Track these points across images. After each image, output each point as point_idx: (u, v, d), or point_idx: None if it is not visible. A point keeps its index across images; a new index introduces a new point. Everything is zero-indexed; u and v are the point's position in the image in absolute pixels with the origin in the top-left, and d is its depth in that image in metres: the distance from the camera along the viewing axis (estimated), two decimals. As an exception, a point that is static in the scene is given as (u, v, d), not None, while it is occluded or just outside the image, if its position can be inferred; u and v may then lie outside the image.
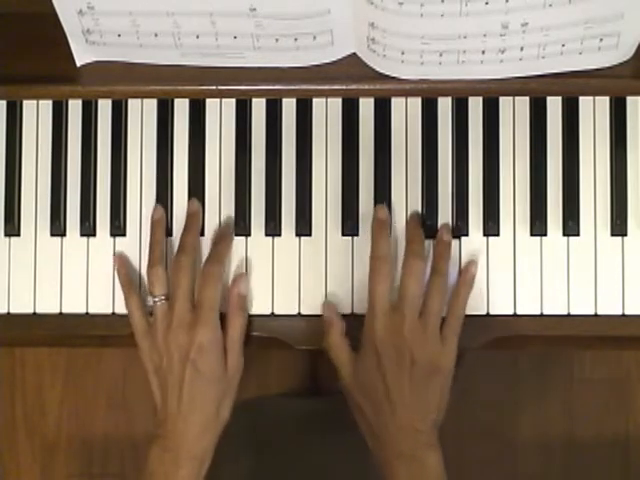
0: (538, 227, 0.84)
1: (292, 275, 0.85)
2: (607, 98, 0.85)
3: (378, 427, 0.79)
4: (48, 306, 0.86)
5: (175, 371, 0.79)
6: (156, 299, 0.81)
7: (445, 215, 0.85)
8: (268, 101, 0.86)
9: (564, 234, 0.85)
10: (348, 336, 0.82)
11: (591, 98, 0.85)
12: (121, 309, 0.86)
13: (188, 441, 0.79)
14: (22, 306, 0.87)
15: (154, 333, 0.81)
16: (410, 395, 0.78)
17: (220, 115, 0.87)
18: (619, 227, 0.84)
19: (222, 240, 0.84)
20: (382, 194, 0.85)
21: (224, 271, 0.83)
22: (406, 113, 0.86)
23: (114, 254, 0.86)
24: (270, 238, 0.86)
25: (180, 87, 0.84)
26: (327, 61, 0.82)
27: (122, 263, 0.85)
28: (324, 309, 0.83)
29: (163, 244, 0.84)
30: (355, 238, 0.85)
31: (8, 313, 0.87)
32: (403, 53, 0.78)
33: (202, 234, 0.86)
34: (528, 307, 0.84)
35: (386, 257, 0.81)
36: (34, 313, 0.87)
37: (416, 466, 0.77)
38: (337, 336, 0.82)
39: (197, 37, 0.79)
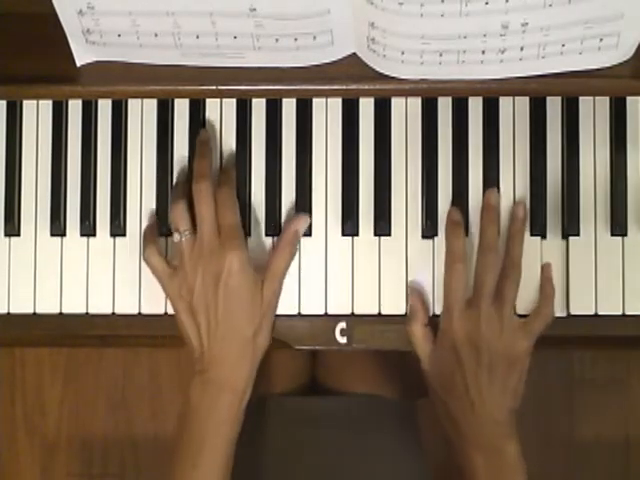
0: (538, 227, 0.84)
1: (292, 275, 0.85)
2: (607, 98, 0.85)
3: (456, 417, 0.79)
4: (48, 306, 0.86)
5: (209, 298, 0.79)
6: (182, 234, 0.81)
7: (445, 215, 0.85)
8: (268, 101, 0.86)
9: (564, 234, 0.85)
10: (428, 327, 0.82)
11: (591, 98, 0.85)
12: (121, 309, 0.86)
13: (227, 370, 0.79)
14: (22, 306, 0.87)
15: (182, 269, 0.80)
16: (489, 390, 0.78)
17: (220, 115, 0.87)
18: (619, 227, 0.84)
19: (230, 166, 0.85)
20: (382, 194, 0.85)
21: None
22: (406, 113, 0.86)
23: (114, 255, 0.86)
24: (270, 238, 0.86)
25: (180, 87, 0.84)
26: (327, 61, 0.81)
27: (149, 215, 0.86)
28: (411, 296, 0.84)
29: (186, 185, 0.84)
30: (355, 238, 0.85)
31: (8, 313, 0.87)
32: (403, 53, 0.77)
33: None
34: (528, 307, 0.84)
35: (461, 256, 0.81)
36: (34, 313, 0.87)
37: (495, 457, 0.78)
38: (419, 327, 0.82)
39: (197, 37, 0.79)
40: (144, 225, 0.86)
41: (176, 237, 0.82)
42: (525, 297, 0.83)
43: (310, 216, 0.85)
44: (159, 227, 0.86)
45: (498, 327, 0.79)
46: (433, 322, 0.83)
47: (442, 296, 0.82)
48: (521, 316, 0.82)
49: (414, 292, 0.84)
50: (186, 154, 0.87)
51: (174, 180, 0.87)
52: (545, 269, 0.83)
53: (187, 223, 0.81)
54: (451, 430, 0.81)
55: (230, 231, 0.80)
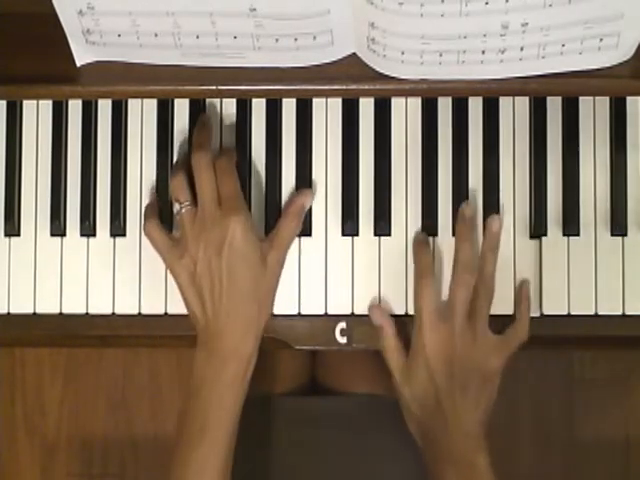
0: (538, 227, 0.84)
1: (292, 275, 0.85)
2: (607, 98, 0.85)
3: (428, 430, 0.80)
4: (48, 306, 0.86)
5: (213, 267, 0.79)
6: (182, 206, 0.81)
7: (445, 215, 0.85)
8: (268, 101, 0.86)
9: (564, 234, 0.85)
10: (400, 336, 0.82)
11: (591, 98, 0.85)
12: (121, 309, 0.86)
13: (232, 340, 0.78)
14: (22, 306, 0.87)
15: (184, 241, 0.80)
16: (462, 405, 0.79)
17: (220, 115, 0.87)
18: (619, 227, 0.84)
19: (229, 146, 0.85)
20: (382, 194, 0.85)
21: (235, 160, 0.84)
22: (406, 113, 0.86)
23: (114, 255, 0.86)
24: (270, 238, 0.86)
25: (180, 87, 0.84)
26: (327, 61, 0.81)
27: (153, 194, 0.86)
28: (372, 315, 0.83)
29: (185, 159, 0.84)
30: (355, 238, 0.85)
31: (8, 313, 0.87)
32: (403, 53, 0.77)
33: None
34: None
35: (429, 271, 0.81)
36: (34, 313, 0.87)
37: (466, 470, 0.78)
38: (390, 339, 0.82)
39: (197, 37, 0.79)
40: (144, 224, 0.86)
41: (176, 208, 0.81)
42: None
43: (311, 216, 0.85)
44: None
45: (471, 343, 0.79)
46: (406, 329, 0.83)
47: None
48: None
49: (372, 308, 0.84)
50: (186, 154, 0.87)
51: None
52: (523, 288, 0.83)
53: (186, 194, 0.81)
54: (423, 444, 0.81)
55: (231, 199, 0.80)
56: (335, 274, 0.85)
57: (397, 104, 0.86)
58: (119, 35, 0.79)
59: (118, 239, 0.87)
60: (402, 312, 0.84)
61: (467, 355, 0.79)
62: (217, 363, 0.78)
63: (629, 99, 0.85)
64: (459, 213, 0.83)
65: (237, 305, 0.79)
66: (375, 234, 0.85)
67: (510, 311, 0.84)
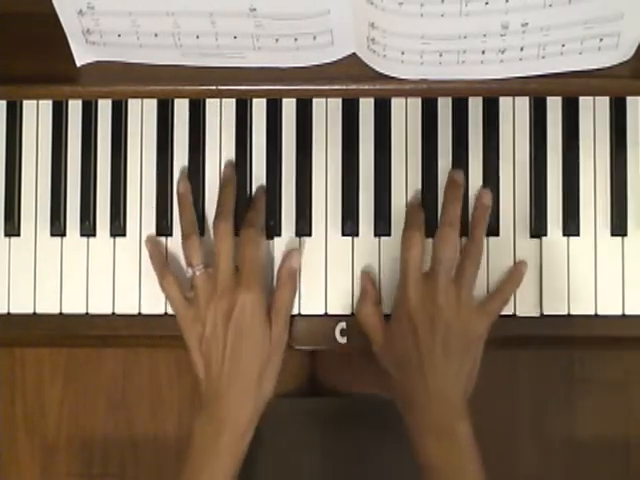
0: (538, 227, 0.84)
1: (292, 275, 0.85)
2: (607, 98, 0.85)
3: (410, 394, 0.79)
4: (48, 306, 0.86)
5: (219, 334, 0.79)
6: (195, 269, 0.81)
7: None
8: (268, 101, 0.86)
9: (564, 234, 0.85)
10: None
11: (591, 98, 0.85)
12: (121, 309, 0.86)
13: (230, 409, 0.79)
14: (22, 306, 0.87)
15: (196, 304, 0.80)
16: (442, 365, 0.78)
17: (220, 115, 0.87)
18: (619, 227, 0.84)
19: (255, 207, 0.84)
20: (382, 194, 0.85)
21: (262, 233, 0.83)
22: (406, 113, 0.86)
23: (114, 255, 0.86)
24: (270, 239, 0.86)
25: (180, 87, 0.84)
26: (327, 61, 0.81)
27: (154, 244, 0.85)
28: (361, 277, 0.84)
29: (193, 215, 0.84)
30: (355, 238, 0.85)
31: (8, 313, 0.87)
32: (403, 53, 0.77)
33: (202, 234, 0.86)
34: (528, 307, 0.84)
35: (419, 226, 0.81)
36: (34, 313, 0.87)
37: (447, 438, 0.77)
38: (370, 305, 0.82)
39: (197, 37, 0.79)
40: (144, 225, 0.86)
41: (189, 272, 0.81)
42: (528, 297, 0.84)
43: (310, 216, 0.85)
44: (160, 227, 0.86)
45: (455, 304, 0.78)
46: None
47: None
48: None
49: (364, 274, 0.84)
50: (186, 154, 0.87)
51: (174, 181, 0.87)
52: (521, 265, 0.83)
53: (200, 257, 0.81)
54: (404, 411, 0.80)
55: (248, 274, 0.80)
56: (335, 274, 0.85)
57: (397, 104, 0.86)
58: (119, 35, 0.79)
59: (118, 239, 0.87)
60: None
61: (450, 315, 0.78)
62: (214, 429, 0.79)
63: (629, 99, 0.85)
64: (448, 177, 0.84)
65: (238, 376, 0.79)
66: (375, 234, 0.85)
67: (510, 311, 0.84)
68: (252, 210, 0.84)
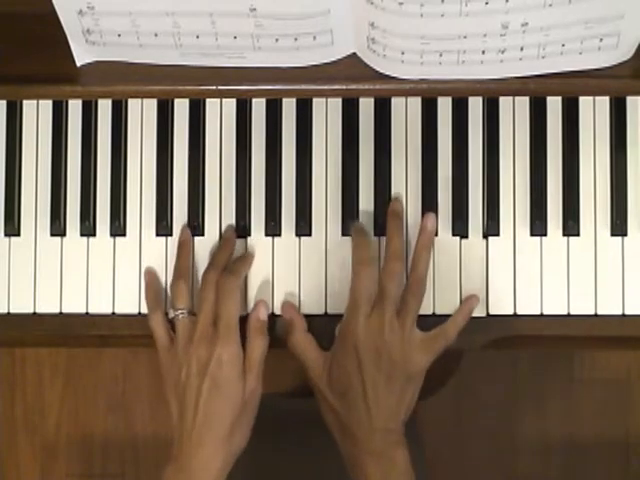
0: (538, 227, 0.84)
1: (292, 275, 0.85)
2: (607, 98, 0.85)
3: (350, 424, 0.79)
4: (48, 306, 0.86)
5: (193, 384, 0.79)
6: (178, 312, 0.82)
7: (445, 215, 0.85)
8: (268, 101, 0.86)
9: (564, 234, 0.85)
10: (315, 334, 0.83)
11: (591, 98, 0.85)
12: (121, 309, 0.86)
13: (200, 460, 0.79)
14: (22, 306, 0.87)
15: (175, 346, 0.81)
16: (386, 398, 0.79)
17: (220, 115, 0.87)
18: (619, 227, 0.84)
19: (242, 257, 0.85)
20: (382, 194, 0.85)
21: (242, 285, 0.84)
22: (406, 113, 0.86)
23: (114, 255, 0.86)
24: (270, 238, 0.86)
25: (180, 87, 0.84)
26: (327, 61, 0.82)
27: (152, 279, 0.85)
28: (283, 310, 0.84)
29: (189, 261, 0.84)
30: (355, 238, 0.85)
31: (8, 313, 0.87)
32: (403, 53, 0.77)
33: (202, 234, 0.86)
34: (528, 307, 0.84)
35: (370, 260, 0.81)
36: (34, 313, 0.87)
37: (386, 463, 0.78)
38: (301, 333, 0.83)
39: (197, 37, 0.79)
40: (144, 225, 0.86)
41: (171, 313, 0.82)
42: (528, 297, 0.84)
43: (310, 216, 0.85)
44: (160, 227, 0.86)
45: (399, 337, 0.79)
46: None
47: (436, 295, 0.83)
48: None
49: (284, 304, 0.84)
50: (186, 154, 0.87)
51: (174, 181, 0.87)
52: (472, 299, 0.83)
53: (185, 302, 0.82)
54: (343, 436, 0.81)
55: (225, 326, 0.80)
56: (335, 274, 0.85)
57: (397, 104, 0.86)
58: (119, 35, 0.79)
59: (118, 239, 0.87)
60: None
61: (394, 351, 0.79)
62: (184, 478, 0.79)
63: (629, 99, 0.85)
64: (389, 208, 0.84)
65: (210, 429, 0.79)
66: (375, 234, 0.85)
67: (510, 311, 0.84)
68: (239, 260, 0.84)
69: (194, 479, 0.79)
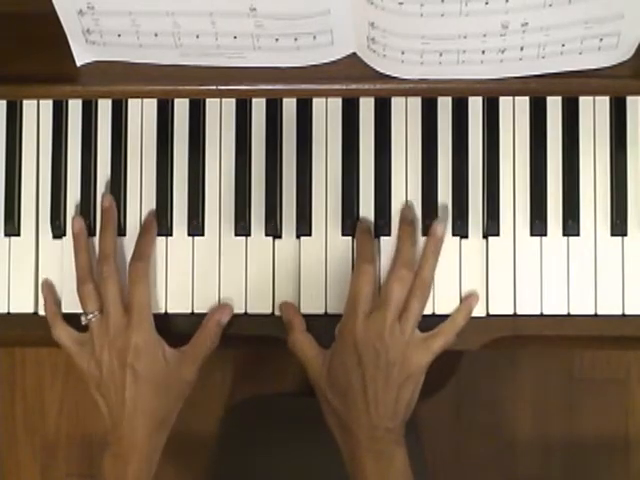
0: (538, 227, 0.84)
1: (292, 275, 0.85)
2: (607, 98, 0.85)
3: (349, 421, 0.80)
4: (48, 306, 0.86)
5: (116, 377, 0.80)
6: (90, 316, 0.82)
7: (445, 215, 0.85)
8: (268, 101, 0.86)
9: (564, 234, 0.85)
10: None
11: (591, 98, 0.85)
12: (121, 309, 0.86)
13: (135, 444, 0.80)
14: (22, 306, 0.87)
15: (91, 348, 0.81)
16: (385, 395, 0.79)
17: (220, 115, 0.87)
18: (619, 227, 0.84)
19: (144, 235, 0.85)
20: (382, 194, 0.85)
21: (149, 266, 0.84)
22: (406, 113, 0.86)
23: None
24: (270, 238, 0.86)
25: (180, 87, 0.84)
26: (327, 61, 0.81)
27: (49, 291, 0.86)
28: (282, 310, 0.84)
29: (88, 257, 0.84)
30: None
31: (8, 313, 0.87)
32: (403, 53, 0.78)
33: (202, 234, 0.86)
34: (528, 307, 0.84)
35: (373, 260, 0.81)
36: (34, 313, 0.87)
37: (384, 461, 0.79)
38: (300, 333, 0.83)
39: (197, 37, 0.79)
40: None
41: (83, 319, 0.82)
42: (528, 297, 0.84)
43: (310, 216, 0.85)
44: (160, 227, 0.86)
45: (399, 342, 0.79)
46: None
47: (436, 295, 0.83)
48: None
49: (284, 305, 0.84)
50: (186, 154, 0.87)
51: (174, 181, 0.87)
52: (471, 298, 0.83)
53: (94, 304, 0.82)
54: (342, 434, 0.81)
55: (138, 310, 0.81)
56: (335, 274, 0.85)
57: (397, 104, 0.86)
58: (119, 35, 0.79)
59: (118, 239, 0.87)
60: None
61: (394, 352, 0.79)
62: (120, 465, 0.80)
63: (629, 99, 0.85)
64: (400, 215, 0.84)
65: (138, 414, 0.80)
66: (375, 234, 0.85)
67: (510, 311, 0.84)
68: (142, 238, 0.84)
69: (129, 461, 0.80)
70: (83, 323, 0.82)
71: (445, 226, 0.84)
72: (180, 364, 0.82)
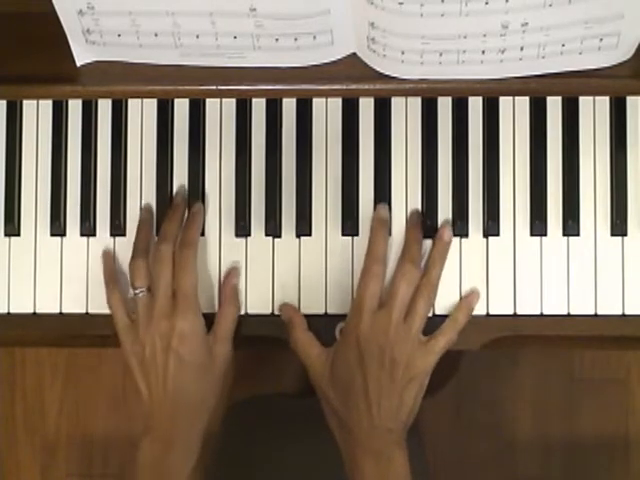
0: (538, 227, 0.84)
1: (292, 275, 0.85)
2: (607, 98, 0.85)
3: (350, 421, 0.79)
4: (48, 306, 0.86)
5: (159, 361, 0.80)
6: (137, 291, 0.81)
7: (445, 215, 0.85)
8: (268, 101, 0.86)
9: (564, 234, 0.85)
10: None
11: (591, 98, 0.85)
12: (121, 309, 0.86)
13: (176, 430, 0.80)
14: (22, 306, 0.87)
15: (136, 326, 0.81)
16: (387, 396, 0.79)
17: (220, 115, 0.87)
18: (619, 227, 0.84)
19: (191, 223, 0.84)
20: (382, 194, 0.85)
21: (197, 253, 0.83)
22: (406, 113, 0.86)
23: (114, 251, 0.86)
24: (270, 238, 0.86)
25: (180, 87, 0.84)
26: (327, 61, 0.81)
27: (109, 259, 0.85)
28: (282, 310, 0.84)
29: (148, 239, 0.84)
30: (355, 238, 0.85)
31: (8, 313, 0.87)
32: (403, 53, 0.78)
33: (202, 234, 0.86)
34: (528, 307, 0.84)
35: (382, 258, 0.81)
36: (34, 313, 0.87)
37: (384, 463, 0.78)
38: (301, 332, 0.83)
39: (197, 37, 0.79)
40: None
41: (131, 292, 0.82)
42: (528, 297, 0.84)
43: (310, 216, 0.85)
44: (159, 227, 0.86)
45: (405, 339, 0.79)
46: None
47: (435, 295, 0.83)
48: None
49: (283, 306, 0.84)
50: (186, 154, 0.87)
51: (174, 181, 0.87)
52: (471, 296, 0.83)
53: (143, 280, 0.81)
54: (343, 434, 0.81)
55: (184, 296, 0.81)
56: (335, 274, 0.85)
57: (397, 104, 0.86)
58: (119, 35, 0.79)
59: (118, 239, 0.87)
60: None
61: (398, 351, 0.79)
62: (159, 451, 0.79)
63: (629, 99, 0.85)
64: (409, 217, 0.84)
65: (180, 399, 0.80)
66: (375, 234, 0.85)
67: (510, 311, 0.84)
68: (189, 228, 0.84)
69: (170, 448, 0.79)
70: (129, 296, 0.82)
71: (451, 231, 0.83)
72: (214, 345, 0.82)
